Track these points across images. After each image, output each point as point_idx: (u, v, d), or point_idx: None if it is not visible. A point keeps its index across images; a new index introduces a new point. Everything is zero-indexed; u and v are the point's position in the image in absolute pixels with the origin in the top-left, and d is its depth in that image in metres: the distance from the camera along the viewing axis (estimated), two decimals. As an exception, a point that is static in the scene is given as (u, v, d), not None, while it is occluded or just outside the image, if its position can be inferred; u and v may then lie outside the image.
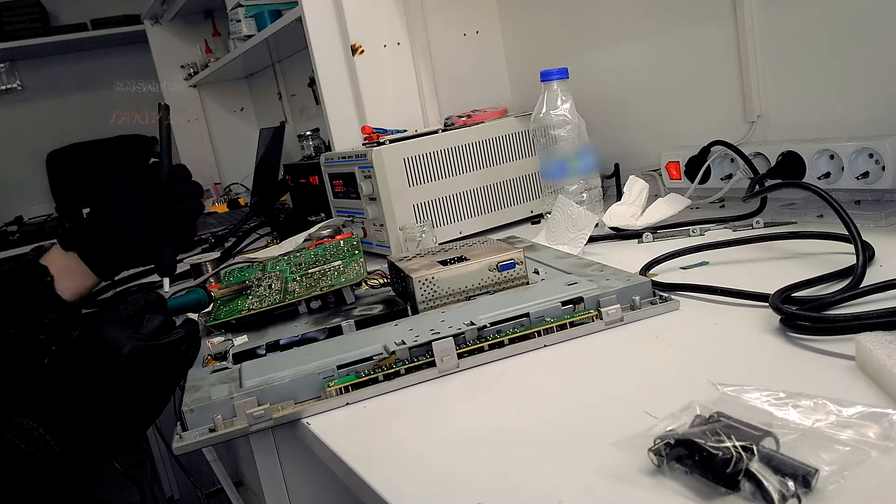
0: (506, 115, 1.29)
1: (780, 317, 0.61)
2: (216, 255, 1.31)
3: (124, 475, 0.66)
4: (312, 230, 1.20)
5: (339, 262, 0.91)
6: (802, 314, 0.59)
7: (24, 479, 0.53)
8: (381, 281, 0.91)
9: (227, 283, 0.95)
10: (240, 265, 1.08)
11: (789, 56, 1.04)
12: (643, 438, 0.44)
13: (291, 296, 0.84)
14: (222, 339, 0.79)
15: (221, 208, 2.46)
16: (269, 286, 0.89)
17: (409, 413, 0.60)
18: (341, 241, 0.99)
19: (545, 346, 0.67)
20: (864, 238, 0.71)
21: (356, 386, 0.63)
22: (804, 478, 0.38)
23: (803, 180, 0.94)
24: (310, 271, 0.91)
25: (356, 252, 0.93)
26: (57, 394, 0.59)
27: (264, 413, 0.60)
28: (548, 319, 0.68)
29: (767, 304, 0.63)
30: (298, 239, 1.18)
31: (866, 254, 0.70)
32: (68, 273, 0.83)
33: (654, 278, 0.75)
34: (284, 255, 1.04)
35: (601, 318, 0.69)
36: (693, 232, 0.97)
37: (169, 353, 0.61)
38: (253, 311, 0.83)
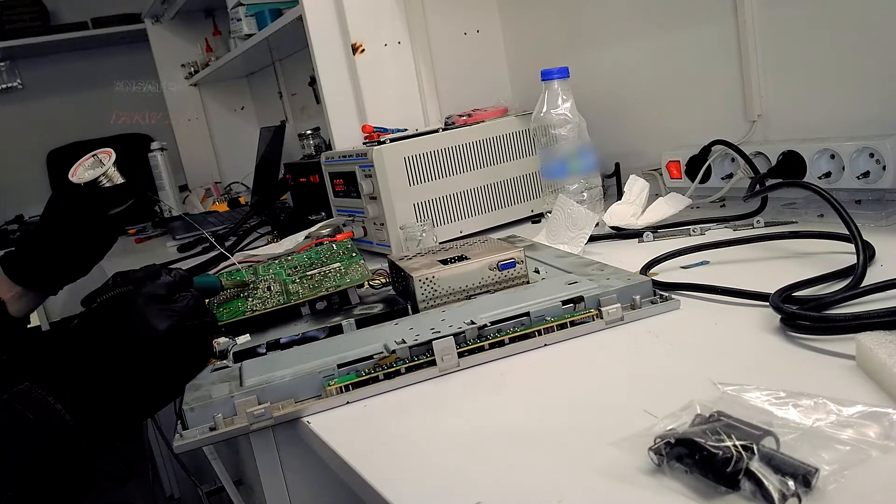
0: (506, 115, 1.29)
1: (780, 316, 0.61)
2: (216, 254, 1.31)
3: (115, 454, 0.65)
4: (312, 229, 1.20)
5: (339, 263, 0.90)
6: (803, 314, 0.59)
7: (35, 447, 0.52)
8: (383, 280, 0.91)
9: (230, 278, 0.94)
10: (231, 268, 1.06)
11: (790, 55, 1.04)
12: (643, 438, 0.44)
13: (296, 297, 0.84)
14: (226, 338, 0.79)
15: (222, 207, 2.46)
16: (269, 287, 0.89)
17: (409, 412, 0.60)
18: (334, 245, 0.99)
19: (546, 345, 0.67)
20: (864, 238, 0.71)
21: (356, 385, 0.63)
22: (804, 477, 0.38)
23: (804, 180, 0.94)
24: (308, 273, 0.90)
25: (353, 254, 0.92)
26: (75, 360, 0.57)
27: (265, 412, 0.60)
28: (548, 318, 0.68)
29: (768, 303, 0.63)
30: (298, 237, 1.18)
31: (867, 253, 0.70)
32: (18, 297, 0.87)
33: (654, 277, 0.75)
34: (275, 258, 1.03)
35: (602, 318, 0.69)
36: (693, 231, 0.97)
37: (202, 333, 0.62)
38: (257, 313, 0.82)
